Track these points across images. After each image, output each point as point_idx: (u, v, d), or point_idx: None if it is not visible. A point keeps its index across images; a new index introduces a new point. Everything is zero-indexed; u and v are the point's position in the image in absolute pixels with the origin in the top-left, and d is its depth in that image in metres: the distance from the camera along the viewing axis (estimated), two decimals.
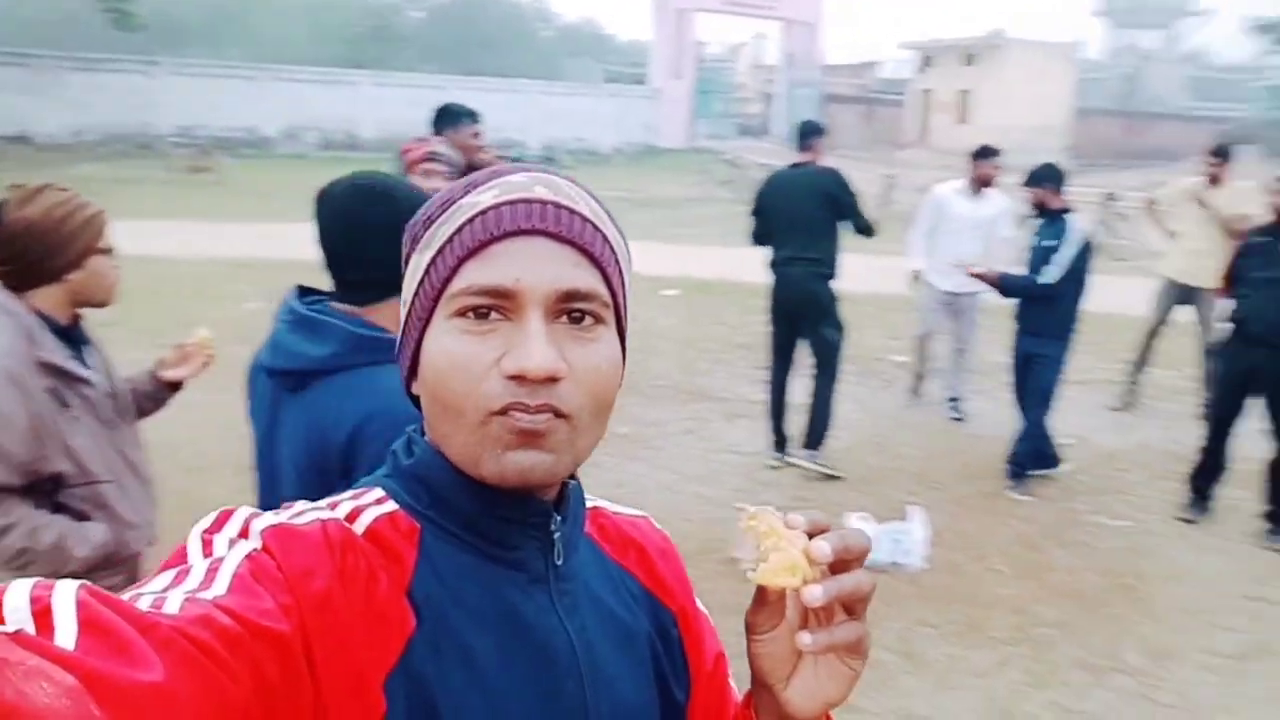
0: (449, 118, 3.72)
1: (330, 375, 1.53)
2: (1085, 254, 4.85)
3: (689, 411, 6.28)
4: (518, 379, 0.66)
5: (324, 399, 1.53)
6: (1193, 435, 5.82)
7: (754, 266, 5.64)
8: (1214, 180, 6.25)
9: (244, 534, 0.64)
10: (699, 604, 0.89)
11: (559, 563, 0.75)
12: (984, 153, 6.02)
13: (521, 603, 0.72)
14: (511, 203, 0.69)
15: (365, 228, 1.60)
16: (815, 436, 5.31)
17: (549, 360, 0.66)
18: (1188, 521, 4.85)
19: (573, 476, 0.78)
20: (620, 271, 0.74)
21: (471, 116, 3.78)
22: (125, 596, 0.56)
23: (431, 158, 2.78)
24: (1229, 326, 4.69)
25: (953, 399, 6.50)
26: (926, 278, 6.27)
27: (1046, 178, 5.00)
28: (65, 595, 0.50)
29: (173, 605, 0.55)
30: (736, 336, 8.15)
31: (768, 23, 40.91)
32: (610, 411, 0.73)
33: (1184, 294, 6.50)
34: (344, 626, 0.62)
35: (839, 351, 5.30)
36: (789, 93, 37.70)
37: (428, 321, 0.71)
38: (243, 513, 0.66)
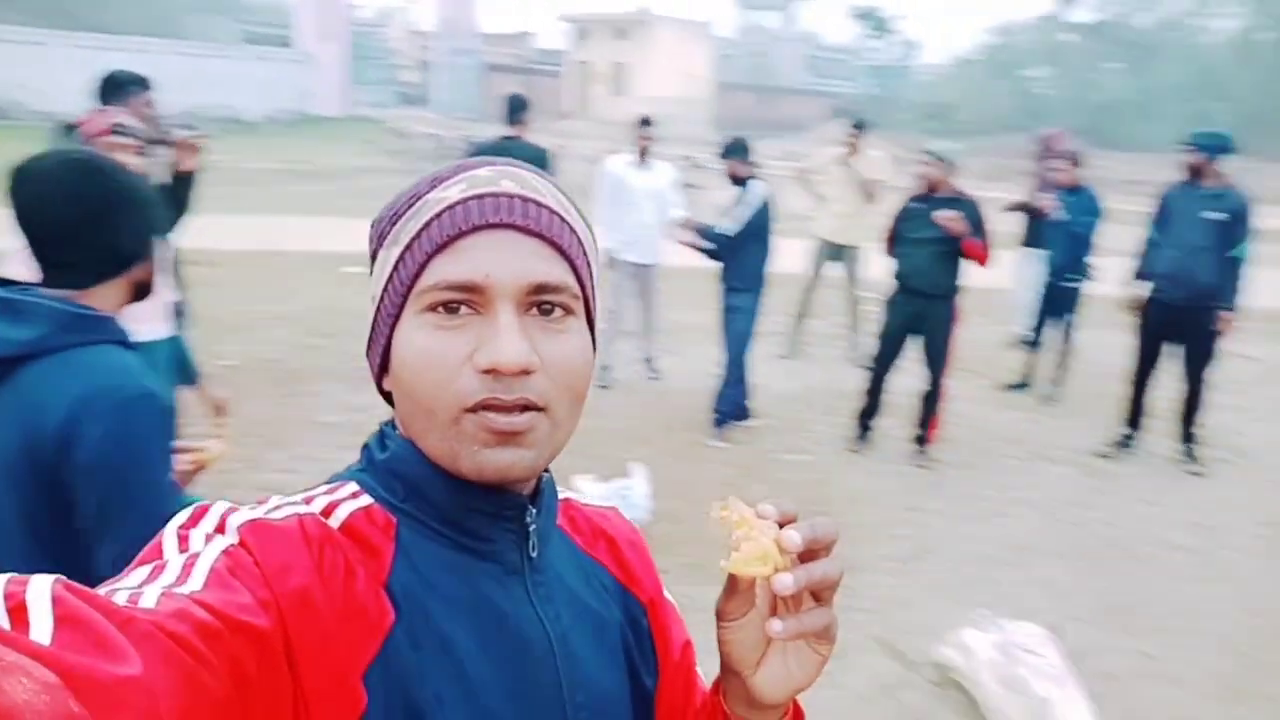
0: (116, 87, 3.27)
1: (38, 359, 1.41)
2: (764, 213, 5.36)
3: None
4: (491, 373, 0.67)
5: (33, 384, 1.41)
6: (848, 376, 6.68)
7: None
8: (853, 150, 7.12)
9: (220, 529, 0.63)
10: (667, 594, 0.91)
11: (534, 555, 0.76)
12: (642, 123, 6.32)
13: (497, 594, 0.73)
14: (479, 197, 0.69)
15: (82, 205, 1.48)
16: None
17: (521, 353, 0.67)
18: (855, 451, 5.58)
19: (545, 469, 0.78)
20: (588, 263, 0.75)
21: (142, 84, 3.35)
22: (101, 591, 0.55)
23: (116, 130, 2.44)
24: (892, 282, 5.41)
25: (647, 359, 6.89)
26: (615, 252, 6.43)
27: (736, 150, 5.48)
28: (40, 590, 0.49)
29: (149, 600, 0.55)
30: None
31: None
32: (584, 402, 0.74)
33: (834, 252, 7.38)
34: (323, 621, 0.62)
35: None
36: (449, 61, 37.14)
37: (397, 318, 0.71)
38: (219, 508, 0.66)
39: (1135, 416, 5.76)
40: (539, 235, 0.70)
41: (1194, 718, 3.27)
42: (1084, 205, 6.37)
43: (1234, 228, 5.25)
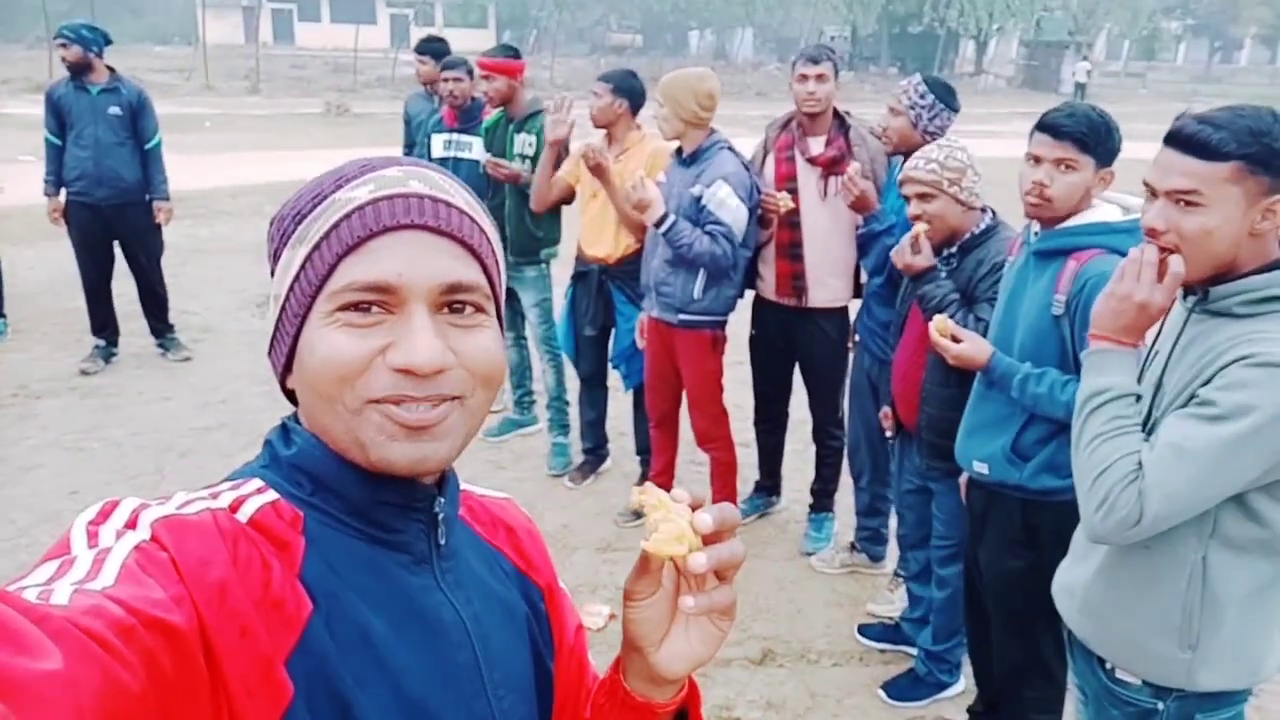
0: None
1: None
2: None
3: None
4: (404, 373, 0.67)
5: None
6: None
7: None
8: None
9: (131, 525, 0.63)
10: (559, 581, 0.93)
11: (442, 543, 0.77)
12: None
13: (409, 582, 0.74)
14: (389, 198, 0.69)
15: None
16: None
17: (436, 353, 0.68)
18: None
19: None
20: (496, 262, 0.76)
21: None
22: (9, 589, 0.54)
23: None
24: None
25: None
26: None
27: None
28: None
29: (61, 596, 0.54)
30: None
31: None
32: (497, 392, 0.75)
33: None
34: (243, 613, 0.62)
35: None
36: None
37: (304, 318, 0.70)
38: (130, 503, 0.65)
39: (101, 324, 5.60)
40: (450, 235, 0.71)
41: None
42: None
43: (140, 119, 5.34)
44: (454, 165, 4.93)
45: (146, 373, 5.56)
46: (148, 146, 5.39)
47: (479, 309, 0.72)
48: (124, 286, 5.64)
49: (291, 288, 0.71)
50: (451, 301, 0.70)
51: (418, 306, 0.68)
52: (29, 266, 6.34)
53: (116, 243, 5.52)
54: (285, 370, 0.74)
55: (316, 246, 0.69)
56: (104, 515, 0.63)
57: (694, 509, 0.72)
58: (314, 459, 0.72)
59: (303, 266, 0.70)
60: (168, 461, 4.44)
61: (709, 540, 0.72)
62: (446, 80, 4.85)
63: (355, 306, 0.68)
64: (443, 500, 0.77)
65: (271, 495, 0.70)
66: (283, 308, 0.72)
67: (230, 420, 4.93)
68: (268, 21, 44.93)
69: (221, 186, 11.31)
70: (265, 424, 0.78)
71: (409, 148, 5.74)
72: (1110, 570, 1.70)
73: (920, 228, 2.67)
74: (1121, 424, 1.58)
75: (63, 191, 5.34)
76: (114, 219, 5.37)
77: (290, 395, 0.75)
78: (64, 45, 5.18)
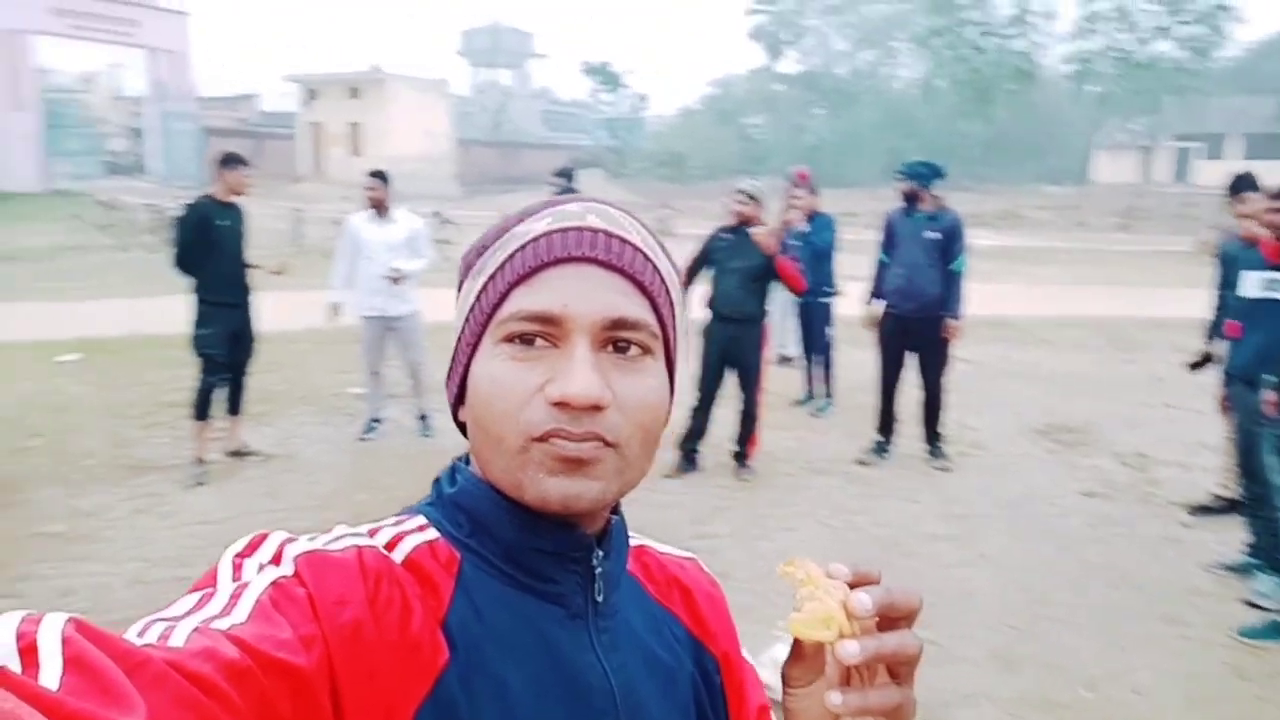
0: None
1: None
2: None
3: (134, 488, 5.40)
4: (561, 406, 0.65)
5: None
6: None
7: (164, 316, 4.99)
8: None
9: (276, 560, 0.63)
10: (744, 653, 0.86)
11: (599, 599, 0.73)
12: (371, 175, 6.29)
13: (559, 638, 0.70)
14: (563, 230, 0.69)
15: None
16: None
17: (593, 388, 0.65)
18: (671, 477, 5.70)
19: (616, 511, 0.77)
20: (671, 303, 0.73)
21: None
22: (140, 622, 0.56)
23: None
24: (705, 311, 5.76)
25: (421, 417, 6.61)
26: (353, 308, 6.36)
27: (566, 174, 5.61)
28: (52, 630, 0.48)
29: (179, 636, 0.54)
30: (164, 395, 7.21)
31: (126, 51, 36.72)
32: (658, 445, 0.72)
33: None
34: (374, 657, 0.61)
35: None
36: (163, 126, 34.46)
37: (475, 347, 0.71)
38: (277, 537, 0.65)
39: (886, 424, 6.22)
40: (621, 271, 0.69)
41: (978, 690, 3.48)
42: (823, 224, 6.99)
43: (950, 245, 5.86)
44: (1271, 306, 4.17)
45: (907, 473, 5.97)
46: (951, 268, 5.84)
47: (645, 350, 0.69)
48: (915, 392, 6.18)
49: (467, 318, 0.72)
50: (617, 339, 0.68)
51: (580, 340, 0.67)
52: (858, 367, 7.38)
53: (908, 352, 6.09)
54: (458, 402, 0.74)
55: (491, 277, 0.70)
56: (252, 548, 0.64)
57: (853, 586, 0.63)
58: (473, 497, 0.71)
59: (478, 297, 0.71)
60: (892, 559, 4.69)
61: (882, 626, 0.62)
62: (1273, 213, 4.14)
63: (520, 338, 0.67)
64: (601, 554, 0.72)
65: (431, 534, 0.70)
66: (458, 339, 0.73)
67: (959, 534, 4.96)
68: (1168, 161, 43.66)
69: (1050, 316, 11.43)
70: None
71: (1223, 287, 5.03)
72: None
73: None
74: None
75: (879, 302, 6.15)
76: (913, 330, 5.95)
77: (462, 428, 0.74)
78: (901, 180, 6.01)
